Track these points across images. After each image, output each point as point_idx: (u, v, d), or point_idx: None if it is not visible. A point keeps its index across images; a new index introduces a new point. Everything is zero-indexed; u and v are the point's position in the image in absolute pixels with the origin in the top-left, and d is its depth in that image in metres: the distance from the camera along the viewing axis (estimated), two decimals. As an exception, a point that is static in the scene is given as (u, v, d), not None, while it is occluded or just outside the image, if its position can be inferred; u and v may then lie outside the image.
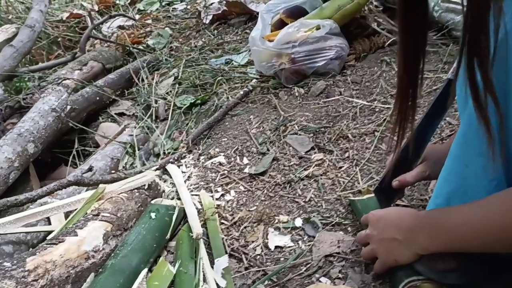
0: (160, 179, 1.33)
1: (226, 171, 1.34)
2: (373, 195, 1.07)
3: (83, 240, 1.01)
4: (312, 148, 1.34)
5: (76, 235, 1.01)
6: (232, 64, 1.94)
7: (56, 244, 0.98)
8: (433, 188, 1.10)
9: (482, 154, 0.64)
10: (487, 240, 0.67)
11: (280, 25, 1.75)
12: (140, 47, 2.49)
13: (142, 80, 2.10)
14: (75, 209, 1.18)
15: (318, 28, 1.63)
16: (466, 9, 0.53)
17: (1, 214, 1.27)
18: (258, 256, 1.04)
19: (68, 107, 1.73)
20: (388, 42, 1.70)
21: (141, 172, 1.33)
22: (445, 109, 0.93)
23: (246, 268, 1.01)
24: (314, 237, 1.05)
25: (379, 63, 1.66)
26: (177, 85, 1.92)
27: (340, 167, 1.25)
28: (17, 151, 1.44)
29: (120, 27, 2.82)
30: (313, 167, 1.26)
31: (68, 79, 1.95)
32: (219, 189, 1.27)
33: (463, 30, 0.54)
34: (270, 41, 1.65)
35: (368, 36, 1.76)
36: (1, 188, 1.35)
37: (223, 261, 1.00)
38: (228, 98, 1.70)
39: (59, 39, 2.86)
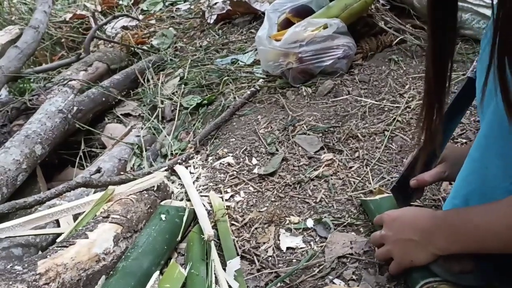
0: (168, 180, 1.33)
1: (235, 172, 1.33)
2: (385, 195, 1.06)
3: (93, 243, 1.00)
4: (322, 148, 1.33)
5: (87, 238, 1.01)
6: (238, 64, 1.93)
7: (66, 246, 0.97)
8: (445, 188, 1.09)
9: (503, 156, 0.63)
10: (507, 241, 0.66)
11: (286, 24, 1.74)
12: (145, 47, 2.48)
13: (148, 80, 2.09)
14: (84, 211, 1.17)
15: (325, 27, 1.62)
16: (498, 6, 0.52)
17: (9, 216, 1.26)
18: (270, 258, 1.03)
19: (75, 108, 1.73)
20: (396, 40, 1.69)
21: (149, 173, 1.32)
22: (466, 108, 0.92)
23: (258, 270, 1.00)
24: (326, 238, 1.04)
25: (387, 62, 1.65)
26: (183, 85, 1.91)
27: (351, 167, 1.24)
28: (24, 152, 1.43)
29: (124, 28, 2.82)
30: (323, 167, 1.25)
31: (74, 80, 1.94)
32: (229, 190, 1.27)
33: (494, 28, 0.53)
34: (277, 40, 1.64)
35: (375, 35, 1.75)
36: (9, 190, 1.34)
37: (235, 263, 0.98)
38: (235, 98, 1.69)
39: (63, 40, 2.86)
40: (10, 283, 0.85)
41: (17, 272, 0.88)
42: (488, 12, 1.55)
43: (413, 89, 1.47)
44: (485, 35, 0.71)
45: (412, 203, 1.03)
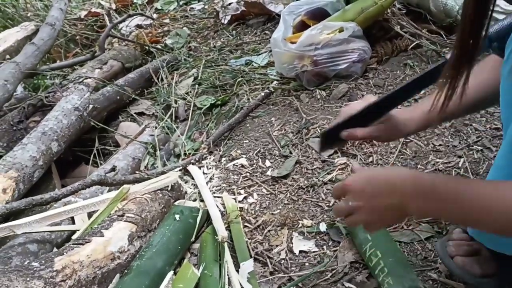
0: (181, 180, 1.34)
1: (248, 174, 1.33)
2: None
3: (109, 241, 1.02)
4: (335, 152, 1.33)
5: (102, 236, 1.02)
6: (252, 65, 1.94)
7: (83, 244, 0.99)
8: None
9: None
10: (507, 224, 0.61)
11: (301, 27, 1.74)
12: (159, 46, 2.49)
13: (162, 79, 2.10)
14: (99, 209, 1.18)
15: (341, 30, 1.61)
16: None
17: (25, 213, 1.28)
18: (283, 261, 1.03)
19: (90, 106, 1.74)
20: (411, 45, 1.68)
21: (163, 172, 1.33)
22: (426, 86, 0.91)
23: (271, 273, 1.00)
24: (339, 242, 1.05)
25: (401, 67, 1.64)
26: (197, 85, 1.92)
27: (364, 172, 1.24)
28: (41, 149, 1.45)
29: (138, 26, 2.83)
30: (337, 171, 1.26)
31: (89, 77, 1.96)
32: (242, 191, 1.27)
33: None
34: (292, 43, 1.64)
35: (391, 39, 1.74)
36: (26, 187, 1.36)
37: (248, 265, 0.99)
38: (248, 99, 1.70)
39: (77, 37, 2.88)
40: (28, 279, 0.86)
41: (34, 269, 0.90)
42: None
43: (428, 94, 1.46)
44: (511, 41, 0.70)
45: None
